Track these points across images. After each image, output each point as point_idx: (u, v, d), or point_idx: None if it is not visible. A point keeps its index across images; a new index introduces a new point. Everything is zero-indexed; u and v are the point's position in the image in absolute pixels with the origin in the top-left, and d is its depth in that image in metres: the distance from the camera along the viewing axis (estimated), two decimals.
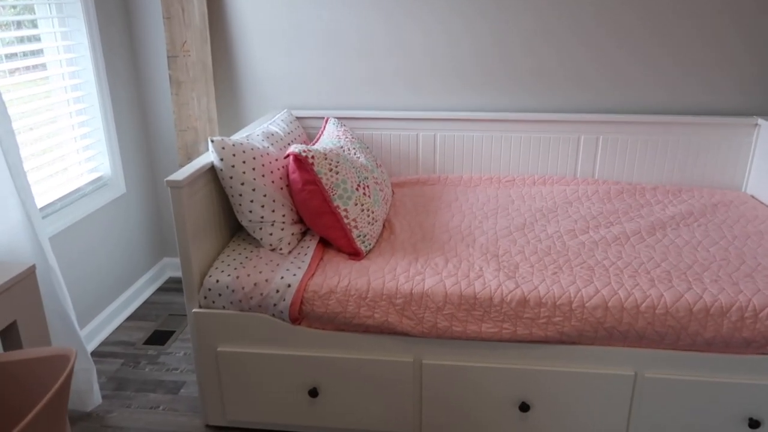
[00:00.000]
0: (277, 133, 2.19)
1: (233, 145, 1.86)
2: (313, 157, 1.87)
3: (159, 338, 2.50)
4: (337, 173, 1.91)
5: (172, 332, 2.53)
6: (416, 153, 2.63)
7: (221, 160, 1.83)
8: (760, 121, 2.39)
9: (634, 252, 1.89)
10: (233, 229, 2.08)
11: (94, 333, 2.47)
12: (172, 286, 2.95)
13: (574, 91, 2.54)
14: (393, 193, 2.47)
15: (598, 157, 2.54)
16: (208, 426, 1.97)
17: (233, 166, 1.84)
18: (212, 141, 1.83)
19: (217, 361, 1.83)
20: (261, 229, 1.91)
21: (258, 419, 1.89)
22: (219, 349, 1.82)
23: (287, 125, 2.35)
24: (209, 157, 1.89)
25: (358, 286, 1.72)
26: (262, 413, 1.87)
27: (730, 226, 2.09)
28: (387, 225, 2.15)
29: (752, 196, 2.39)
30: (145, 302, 2.80)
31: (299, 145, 1.92)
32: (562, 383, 1.70)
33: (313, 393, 1.80)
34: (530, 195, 2.42)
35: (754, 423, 1.64)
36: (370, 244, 1.92)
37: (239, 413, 1.89)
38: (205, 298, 1.79)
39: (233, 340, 1.81)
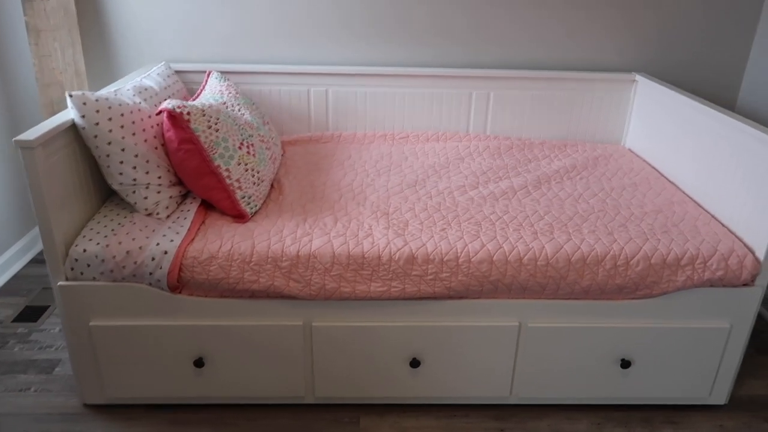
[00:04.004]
0: (151, 87, 2.01)
1: (96, 100, 1.68)
2: (188, 113, 1.74)
3: (31, 315, 2.29)
4: (217, 131, 1.79)
5: (46, 307, 2.33)
6: (308, 110, 2.54)
7: (83, 117, 1.65)
8: (638, 77, 2.49)
9: (520, 206, 1.93)
10: (106, 193, 1.91)
11: None
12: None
13: (465, 45, 2.53)
14: (284, 151, 2.38)
15: (489, 112, 2.56)
16: (86, 405, 1.84)
17: (97, 124, 1.66)
18: (71, 96, 1.64)
19: (91, 336, 1.69)
20: (134, 192, 1.76)
21: (141, 395, 1.78)
22: (92, 323, 1.68)
23: (164, 79, 2.17)
24: (70, 113, 1.70)
25: (241, 250, 1.63)
26: (145, 388, 1.77)
27: (609, 178, 2.19)
28: (275, 185, 2.06)
29: (630, 150, 2.51)
30: (15, 276, 2.55)
31: (174, 100, 1.77)
32: (451, 337, 1.72)
33: (199, 363, 1.72)
34: (423, 151, 2.41)
35: (625, 363, 1.74)
36: (255, 206, 1.83)
37: (120, 390, 1.77)
38: (72, 269, 1.64)
39: (107, 314, 1.68)
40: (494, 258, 1.65)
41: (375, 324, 1.71)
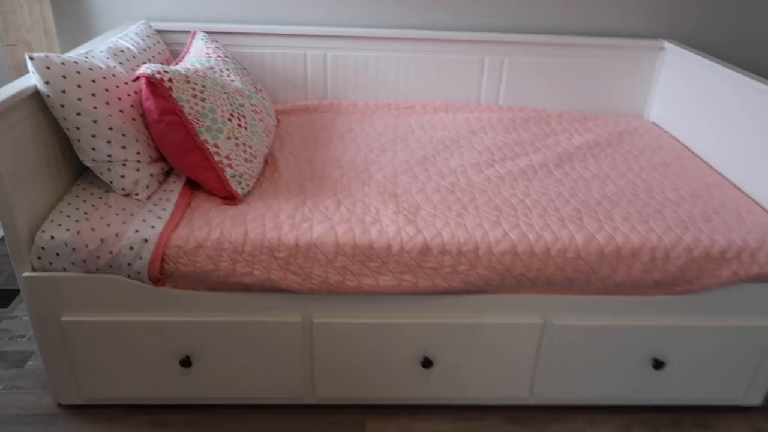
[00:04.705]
0: (129, 49, 1.77)
1: (62, 63, 1.45)
2: (170, 80, 1.51)
3: (1, 299, 2.09)
4: (204, 100, 1.56)
5: (17, 291, 2.13)
6: (304, 75, 2.30)
7: (46, 83, 1.43)
8: (666, 44, 2.28)
9: (542, 187, 1.74)
10: (77, 171, 1.69)
11: None
12: None
13: (478, 7, 2.29)
14: (277, 122, 2.15)
15: (503, 81, 2.34)
16: (60, 405, 1.66)
17: (64, 92, 1.44)
18: (31, 59, 1.41)
19: (63, 333, 1.50)
20: (110, 170, 1.55)
21: (121, 395, 1.60)
22: (63, 319, 1.49)
23: (143, 40, 1.93)
24: (32, 79, 1.47)
25: (232, 238, 1.44)
26: (126, 388, 1.59)
27: (636, 156, 1.99)
28: (270, 161, 1.85)
29: (654, 124, 2.31)
30: None
31: (154, 64, 1.54)
32: (467, 335, 1.55)
33: (186, 363, 1.53)
34: (431, 124, 2.20)
35: (658, 364, 1.58)
36: (248, 185, 1.62)
37: (97, 390, 1.59)
38: (39, 258, 1.44)
39: (80, 308, 1.48)
40: (518, 249, 1.46)
41: (382, 321, 1.53)
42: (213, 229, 1.46)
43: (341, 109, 2.29)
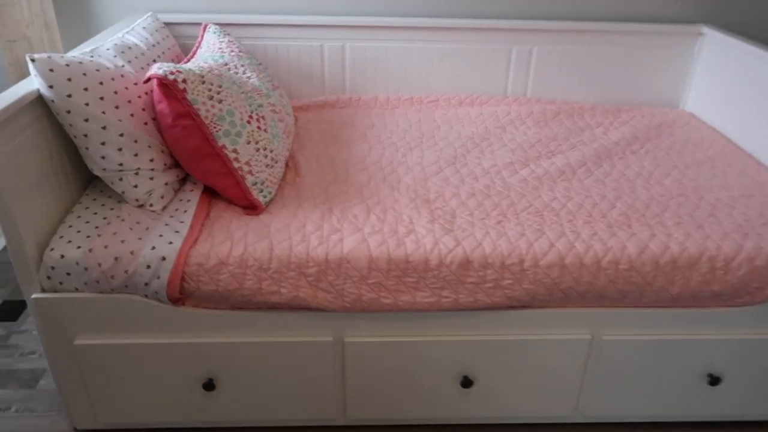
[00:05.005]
0: (137, 45, 1.65)
1: (67, 65, 1.32)
2: (185, 80, 1.39)
3: (10, 311, 1.99)
4: (221, 102, 1.44)
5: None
6: (321, 69, 2.17)
7: (50, 87, 1.30)
8: (705, 29, 2.14)
9: (583, 189, 1.62)
10: (86, 179, 1.58)
11: None
12: None
13: None
14: (295, 120, 2.03)
15: (531, 71, 2.21)
16: (77, 430, 1.56)
17: (69, 96, 1.32)
18: (33, 60, 1.29)
19: (77, 357, 1.40)
20: (121, 180, 1.43)
21: (141, 419, 1.51)
22: (77, 342, 1.38)
23: (152, 35, 1.80)
24: (35, 83, 1.35)
25: (257, 254, 1.32)
26: (146, 413, 1.49)
27: (678, 152, 1.87)
28: (290, 164, 1.73)
29: (693, 115, 2.18)
30: None
31: (165, 63, 1.42)
32: (510, 352, 1.44)
33: (209, 386, 1.43)
34: (457, 118, 2.07)
35: (714, 380, 1.48)
36: (270, 193, 1.51)
37: (115, 415, 1.49)
38: (49, 278, 1.33)
39: (95, 330, 1.38)
40: (566, 261, 1.35)
41: (419, 339, 1.42)
42: (235, 243, 1.35)
43: (361, 104, 2.17)
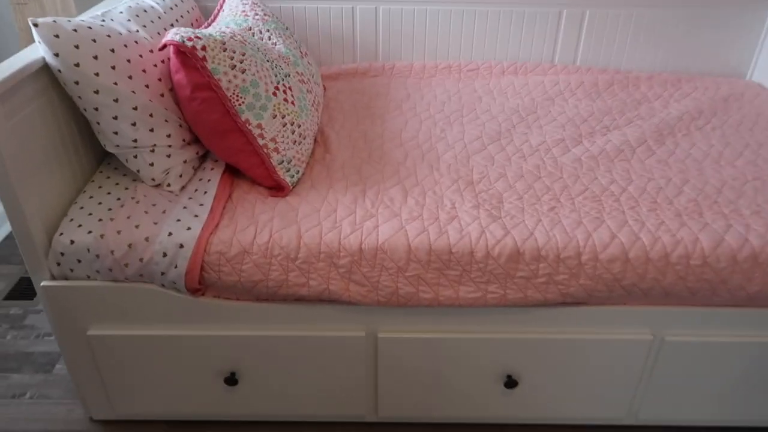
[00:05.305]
0: (153, 8, 1.50)
1: (74, 30, 1.19)
2: (204, 47, 1.25)
3: (27, 290, 1.91)
4: (244, 72, 1.30)
5: None
6: (352, 33, 2.00)
7: (56, 56, 1.17)
8: None
9: (645, 171, 1.45)
10: (100, 154, 1.46)
11: None
12: None
13: None
14: (324, 89, 1.88)
15: (582, 37, 2.01)
16: (93, 420, 1.48)
17: (77, 65, 1.19)
18: (36, 26, 1.15)
19: (91, 347, 1.30)
20: (136, 157, 1.31)
21: (159, 411, 1.42)
22: (90, 332, 1.28)
23: None
24: (40, 50, 1.22)
25: (283, 242, 1.20)
26: (164, 405, 1.40)
27: (750, 128, 1.67)
28: (319, 139, 1.59)
29: (762, 86, 1.97)
30: (9, 237, 2.16)
31: (183, 28, 1.27)
32: (560, 352, 1.30)
33: (232, 380, 1.33)
34: (501, 89, 1.89)
35: None
36: (297, 172, 1.37)
37: (132, 406, 1.41)
38: (59, 265, 1.22)
39: (109, 320, 1.28)
40: (630, 255, 1.19)
41: (459, 335, 1.29)
42: (260, 229, 1.22)
43: (395, 72, 2.00)
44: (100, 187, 1.35)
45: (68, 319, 1.27)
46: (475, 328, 1.29)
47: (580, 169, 1.46)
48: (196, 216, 1.24)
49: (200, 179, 1.37)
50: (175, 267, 1.18)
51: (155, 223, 1.22)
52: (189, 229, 1.20)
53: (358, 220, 1.25)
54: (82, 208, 1.28)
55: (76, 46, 1.18)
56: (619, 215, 1.27)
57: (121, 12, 1.39)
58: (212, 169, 1.39)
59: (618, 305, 1.26)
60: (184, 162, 1.35)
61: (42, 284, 1.23)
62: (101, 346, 1.30)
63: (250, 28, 1.56)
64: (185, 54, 1.23)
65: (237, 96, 1.28)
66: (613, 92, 1.88)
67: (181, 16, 1.62)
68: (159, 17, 1.49)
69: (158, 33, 1.44)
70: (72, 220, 1.24)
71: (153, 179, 1.32)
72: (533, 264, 1.20)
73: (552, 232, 1.22)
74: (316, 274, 1.20)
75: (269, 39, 1.57)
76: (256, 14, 1.64)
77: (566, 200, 1.33)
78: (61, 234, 1.21)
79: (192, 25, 1.66)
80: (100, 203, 1.29)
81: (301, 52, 1.65)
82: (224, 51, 1.28)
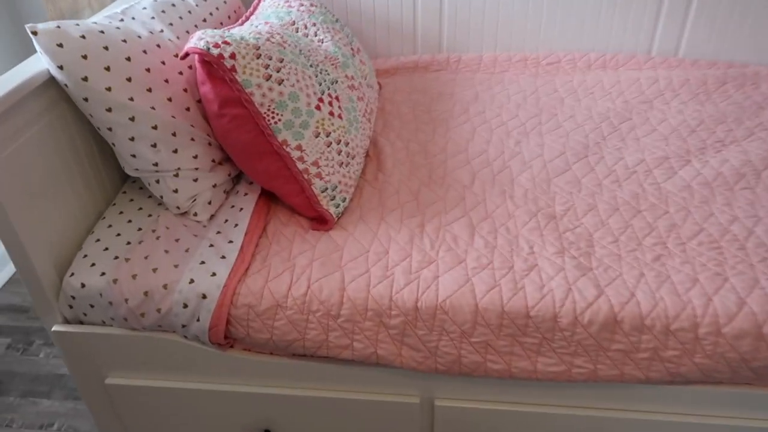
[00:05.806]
0: (183, 2, 1.30)
1: (82, 36, 1.00)
2: (233, 55, 1.04)
3: None
4: (281, 82, 1.08)
5: None
6: (412, 21, 1.75)
7: (60, 68, 0.99)
8: None
9: None
10: (120, 178, 1.29)
11: None
12: None
13: None
14: (379, 87, 1.64)
15: (688, 23, 1.68)
16: None
17: (85, 80, 1.00)
18: (35, 34, 0.97)
19: (110, 396, 1.16)
20: (158, 182, 1.13)
21: None
22: (108, 381, 1.13)
23: None
24: (43, 62, 1.04)
25: (324, 296, 0.99)
26: None
27: None
28: (371, 152, 1.36)
29: None
30: None
31: (211, 30, 1.07)
32: None
33: None
34: (586, 88, 1.61)
35: None
36: (343, 200, 1.16)
37: None
38: (71, 308, 1.07)
39: (129, 369, 1.12)
40: (765, 330, 0.92)
41: (534, 410, 1.06)
42: (297, 277, 1.02)
43: (461, 66, 1.74)
44: (120, 212, 1.18)
45: (85, 364, 1.12)
46: (552, 401, 1.06)
47: (690, 200, 1.17)
48: (223, 257, 1.05)
49: (232, 206, 1.18)
50: (198, 320, 1.01)
51: (176, 266, 1.04)
52: (214, 275, 1.01)
53: (414, 267, 1.03)
54: (98, 240, 1.11)
55: (84, 57, 0.99)
56: (746, 270, 1.00)
57: (145, 8, 1.19)
58: (246, 194, 1.19)
59: (738, 386, 1.00)
60: (214, 186, 1.16)
61: (54, 329, 1.08)
62: (121, 395, 1.15)
63: (293, 22, 1.33)
64: (211, 63, 1.03)
65: (273, 112, 1.07)
66: (727, 92, 1.56)
67: (217, 9, 1.41)
68: (189, 12, 1.29)
69: (187, 32, 1.24)
70: (86, 256, 1.08)
71: (178, 207, 1.14)
72: (634, 335, 0.95)
73: (659, 294, 0.96)
74: (362, 335, 1.00)
75: (315, 35, 1.34)
76: (302, 4, 1.41)
77: (675, 246, 1.06)
78: (72, 275, 1.05)
79: (229, 18, 1.45)
80: (118, 234, 1.12)
81: (353, 49, 1.42)
82: (258, 58, 1.06)
